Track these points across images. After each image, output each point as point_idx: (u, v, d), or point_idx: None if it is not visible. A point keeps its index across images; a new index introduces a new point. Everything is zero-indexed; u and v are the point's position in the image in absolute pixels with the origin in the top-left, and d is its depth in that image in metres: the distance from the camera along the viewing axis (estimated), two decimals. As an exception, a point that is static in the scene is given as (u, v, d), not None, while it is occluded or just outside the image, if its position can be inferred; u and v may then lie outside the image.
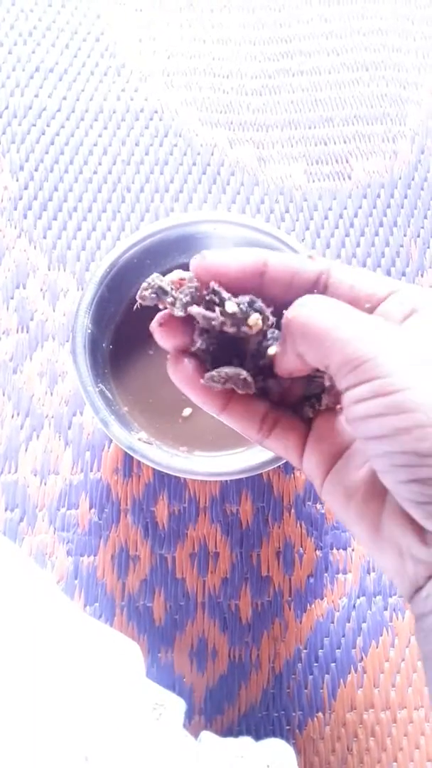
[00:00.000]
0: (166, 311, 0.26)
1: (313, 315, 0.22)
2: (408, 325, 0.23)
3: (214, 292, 0.24)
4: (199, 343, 0.25)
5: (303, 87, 0.52)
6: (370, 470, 0.24)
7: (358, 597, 0.42)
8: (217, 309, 0.24)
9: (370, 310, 0.24)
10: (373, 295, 0.24)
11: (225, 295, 0.24)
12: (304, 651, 0.42)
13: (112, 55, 0.52)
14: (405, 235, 0.48)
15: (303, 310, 0.23)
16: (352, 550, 0.43)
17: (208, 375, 0.25)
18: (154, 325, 0.26)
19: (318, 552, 0.43)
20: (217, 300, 0.24)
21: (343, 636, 0.42)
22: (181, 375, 0.26)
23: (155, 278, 0.25)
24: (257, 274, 0.25)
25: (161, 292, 0.25)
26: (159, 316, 0.26)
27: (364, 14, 0.53)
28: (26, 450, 0.43)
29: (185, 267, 0.26)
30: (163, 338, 0.26)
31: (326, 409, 0.27)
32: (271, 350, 0.25)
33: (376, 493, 0.24)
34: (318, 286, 0.25)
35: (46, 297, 0.46)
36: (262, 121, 0.51)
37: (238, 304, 0.24)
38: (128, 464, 0.43)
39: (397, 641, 0.42)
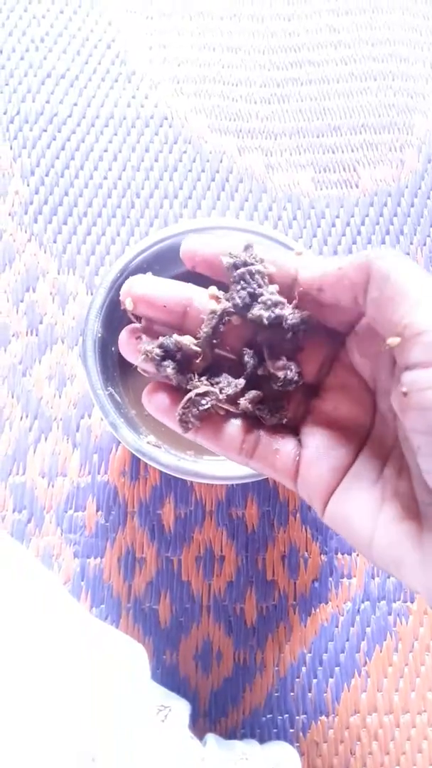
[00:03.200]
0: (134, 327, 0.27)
1: (401, 266, 0.21)
2: None
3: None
4: (168, 370, 0.26)
5: (311, 96, 0.52)
6: (394, 490, 0.23)
7: (363, 602, 0.43)
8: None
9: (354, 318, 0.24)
10: None
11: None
12: (309, 655, 0.42)
13: (123, 62, 0.52)
14: (411, 244, 0.49)
15: (390, 258, 0.21)
16: (357, 555, 0.43)
17: (180, 416, 0.25)
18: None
19: (323, 556, 0.43)
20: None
21: (347, 640, 0.42)
22: (154, 407, 0.26)
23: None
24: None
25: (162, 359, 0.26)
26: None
27: (373, 25, 0.54)
28: (34, 452, 0.44)
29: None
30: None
31: (315, 423, 0.25)
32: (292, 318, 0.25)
33: (408, 512, 0.22)
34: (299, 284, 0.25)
35: (56, 300, 0.46)
36: (271, 129, 0.51)
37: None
38: (135, 467, 0.44)
39: (401, 646, 0.42)
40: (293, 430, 0.26)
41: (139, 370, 0.27)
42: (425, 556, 0.21)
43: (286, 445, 0.25)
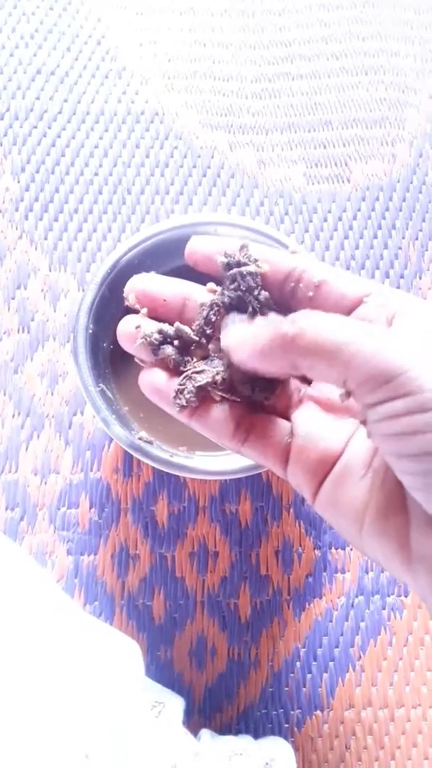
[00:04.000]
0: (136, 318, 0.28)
1: (323, 329, 0.21)
2: (402, 329, 0.23)
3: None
4: (168, 350, 0.27)
5: (303, 90, 0.52)
6: (382, 482, 0.23)
7: (357, 596, 0.43)
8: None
9: (345, 312, 0.24)
10: (346, 295, 0.24)
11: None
12: (303, 650, 0.42)
13: (113, 58, 0.52)
14: (403, 238, 0.49)
15: (309, 325, 0.21)
16: (351, 549, 0.43)
17: (176, 391, 0.26)
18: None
19: (316, 551, 0.43)
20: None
21: (342, 635, 0.42)
22: (149, 385, 0.28)
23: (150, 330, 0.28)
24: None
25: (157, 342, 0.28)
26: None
27: (363, 19, 0.54)
28: (27, 449, 0.44)
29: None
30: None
31: (308, 410, 0.26)
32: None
33: (396, 506, 0.22)
34: (291, 279, 0.25)
35: (47, 297, 0.46)
36: (262, 124, 0.51)
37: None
38: (128, 464, 0.44)
39: (395, 640, 0.42)
40: (285, 419, 0.26)
41: (135, 359, 0.29)
42: (411, 552, 0.21)
43: (277, 433, 0.26)
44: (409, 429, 0.19)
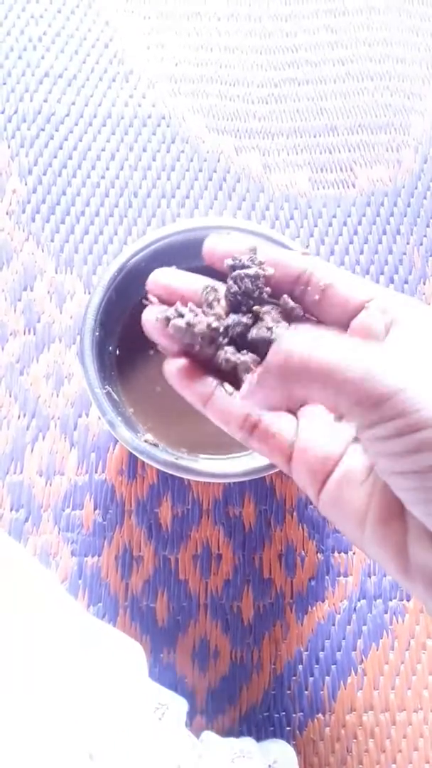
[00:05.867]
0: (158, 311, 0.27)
1: (313, 351, 0.20)
2: (397, 341, 0.23)
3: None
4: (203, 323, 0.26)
5: (308, 96, 0.52)
6: (382, 487, 0.23)
7: (359, 600, 0.43)
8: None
9: (349, 316, 0.25)
10: (350, 299, 0.25)
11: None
12: (305, 653, 0.42)
13: (120, 61, 0.52)
14: (408, 243, 0.49)
15: (298, 346, 0.21)
16: (353, 553, 0.43)
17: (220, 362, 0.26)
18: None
19: (319, 555, 0.43)
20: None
21: (344, 638, 0.42)
22: (171, 371, 0.27)
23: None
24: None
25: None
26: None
27: (370, 25, 0.54)
28: (32, 451, 0.44)
29: (193, 272, 0.29)
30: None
31: (313, 410, 0.26)
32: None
33: (396, 511, 0.22)
34: (300, 282, 0.26)
35: (53, 299, 0.46)
36: (268, 129, 0.51)
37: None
38: (133, 466, 0.44)
39: (397, 644, 0.42)
40: (293, 415, 0.27)
41: (159, 347, 0.28)
42: (409, 560, 0.21)
43: (284, 428, 0.26)
44: (401, 449, 0.19)
